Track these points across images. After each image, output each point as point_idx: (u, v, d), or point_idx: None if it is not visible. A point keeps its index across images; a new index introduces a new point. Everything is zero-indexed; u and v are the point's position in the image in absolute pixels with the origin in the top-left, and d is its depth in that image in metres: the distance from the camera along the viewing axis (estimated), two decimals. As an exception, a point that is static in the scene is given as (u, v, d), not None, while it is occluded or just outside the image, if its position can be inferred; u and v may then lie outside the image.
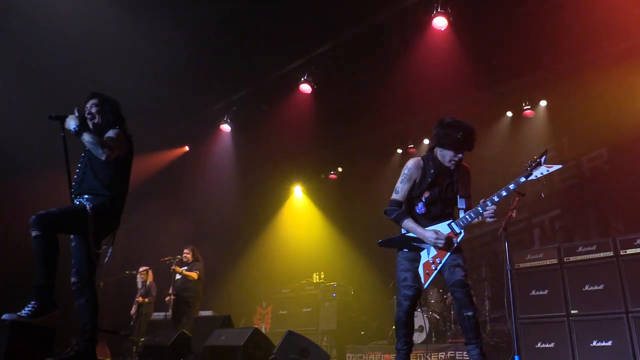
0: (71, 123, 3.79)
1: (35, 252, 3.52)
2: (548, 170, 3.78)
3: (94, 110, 4.02)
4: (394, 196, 4.04)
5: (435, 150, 4.04)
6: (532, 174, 3.81)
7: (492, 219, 3.83)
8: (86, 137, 3.75)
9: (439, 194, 3.97)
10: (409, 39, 7.64)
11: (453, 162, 3.94)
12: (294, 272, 10.93)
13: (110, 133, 3.91)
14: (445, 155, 3.95)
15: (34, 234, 3.50)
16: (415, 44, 7.65)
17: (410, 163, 4.05)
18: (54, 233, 3.59)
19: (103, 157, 3.75)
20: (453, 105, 8.75)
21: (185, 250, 8.72)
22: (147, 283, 9.47)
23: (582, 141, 8.67)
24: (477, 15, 7.30)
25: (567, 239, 8.32)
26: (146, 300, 9.29)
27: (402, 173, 4.05)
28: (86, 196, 3.81)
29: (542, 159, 3.80)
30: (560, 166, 3.89)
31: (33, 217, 3.52)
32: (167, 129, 9.88)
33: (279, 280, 10.95)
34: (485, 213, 3.81)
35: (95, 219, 3.72)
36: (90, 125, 3.97)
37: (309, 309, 9.71)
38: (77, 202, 3.82)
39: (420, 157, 4.09)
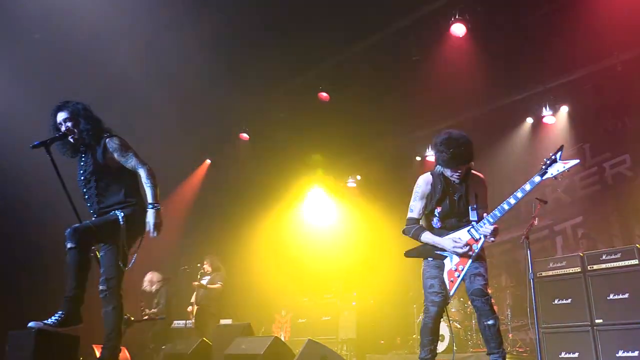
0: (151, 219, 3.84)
1: (68, 264, 3.56)
2: (565, 167, 3.66)
3: (69, 124, 3.85)
4: (410, 214, 4.06)
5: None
6: (547, 172, 3.70)
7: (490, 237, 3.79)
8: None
9: (451, 207, 3.96)
10: (428, 46, 7.63)
11: (455, 177, 3.92)
12: (313, 281, 10.91)
13: (113, 144, 3.87)
14: (446, 172, 3.94)
15: (68, 245, 3.55)
16: (433, 51, 7.64)
17: (420, 180, 4.08)
18: (88, 245, 3.65)
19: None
20: (473, 112, 8.71)
21: (205, 262, 8.71)
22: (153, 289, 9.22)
23: (604, 147, 8.55)
24: (495, 22, 7.27)
25: (590, 246, 8.18)
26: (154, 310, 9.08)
27: (414, 191, 4.08)
28: (113, 210, 3.83)
29: (558, 156, 3.68)
30: (577, 161, 3.72)
31: (68, 229, 3.57)
32: (187, 139, 9.92)
33: (298, 289, 10.93)
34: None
35: (127, 228, 3.77)
36: (72, 140, 3.87)
37: (328, 318, 9.66)
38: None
39: (429, 172, 4.10)
